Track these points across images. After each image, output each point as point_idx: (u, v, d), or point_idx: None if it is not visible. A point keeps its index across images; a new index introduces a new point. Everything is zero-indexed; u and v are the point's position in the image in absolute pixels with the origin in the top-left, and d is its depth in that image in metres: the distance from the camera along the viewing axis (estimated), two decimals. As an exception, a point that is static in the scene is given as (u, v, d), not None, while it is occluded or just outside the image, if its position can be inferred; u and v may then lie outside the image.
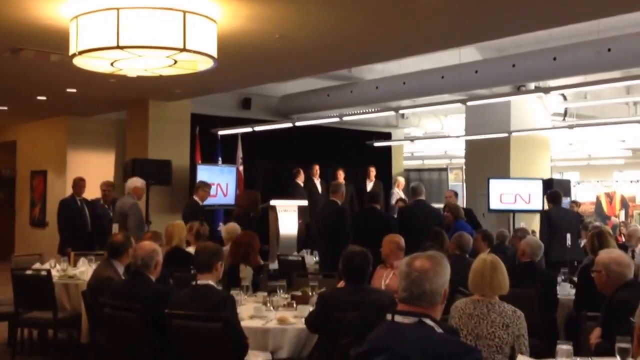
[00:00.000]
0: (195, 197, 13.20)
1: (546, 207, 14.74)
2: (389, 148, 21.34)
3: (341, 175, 17.90)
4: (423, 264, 3.96)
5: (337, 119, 15.82)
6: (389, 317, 3.93)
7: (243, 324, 6.56)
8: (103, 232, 13.03)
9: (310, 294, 8.11)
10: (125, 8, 7.35)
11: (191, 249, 10.58)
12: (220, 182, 16.21)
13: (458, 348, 3.88)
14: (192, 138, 16.37)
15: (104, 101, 15.67)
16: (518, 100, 16.63)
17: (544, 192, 16.56)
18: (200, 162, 16.31)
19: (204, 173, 15.95)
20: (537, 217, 16.72)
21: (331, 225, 11.80)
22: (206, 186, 13.45)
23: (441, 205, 17.59)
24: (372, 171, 18.90)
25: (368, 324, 4.56)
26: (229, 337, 6.00)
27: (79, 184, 13.87)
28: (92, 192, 14.23)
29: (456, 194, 14.24)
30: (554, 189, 14.37)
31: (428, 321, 3.84)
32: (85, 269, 10.31)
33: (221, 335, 5.97)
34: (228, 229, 10.88)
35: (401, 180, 19.92)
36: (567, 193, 17.98)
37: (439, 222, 11.96)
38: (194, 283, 6.51)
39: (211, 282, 6.47)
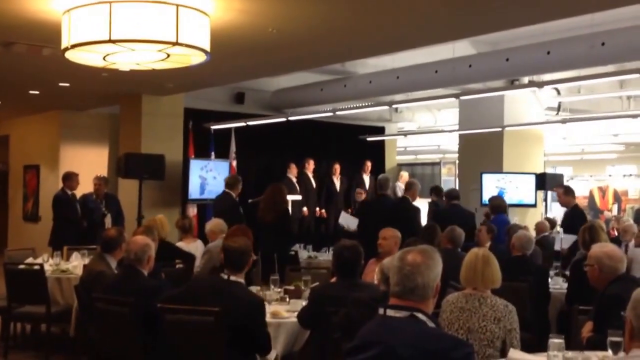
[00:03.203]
0: (230, 191, 13.03)
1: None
2: (382, 142, 21.32)
3: (337, 169, 17.95)
4: (415, 258, 3.97)
5: (330, 114, 15.80)
6: (381, 311, 3.94)
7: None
8: (96, 227, 13.05)
9: (302, 288, 8.12)
10: (117, 2, 7.34)
11: (182, 244, 10.65)
12: (214, 176, 16.21)
13: (449, 342, 3.89)
14: (185, 132, 16.33)
15: (97, 95, 15.65)
16: (511, 95, 16.65)
17: (537, 187, 16.60)
18: (193, 156, 16.30)
19: (197, 167, 15.96)
20: (530, 211, 16.77)
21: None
22: (241, 181, 13.27)
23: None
24: (368, 165, 18.90)
25: (359, 318, 4.57)
26: (224, 332, 5.98)
27: (73, 178, 13.87)
28: (85, 187, 14.22)
29: (566, 191, 13.86)
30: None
31: (420, 315, 3.86)
32: (78, 264, 10.31)
33: (216, 329, 5.95)
34: (212, 225, 10.89)
35: (405, 174, 19.98)
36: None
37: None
38: (225, 276, 6.27)
39: (242, 280, 6.39)
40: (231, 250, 6.34)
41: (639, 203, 26.42)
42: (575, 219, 12.72)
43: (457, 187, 19.12)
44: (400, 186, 19.05)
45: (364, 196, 16.35)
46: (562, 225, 13.55)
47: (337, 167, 18.00)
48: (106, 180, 14.36)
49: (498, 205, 13.42)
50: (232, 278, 6.21)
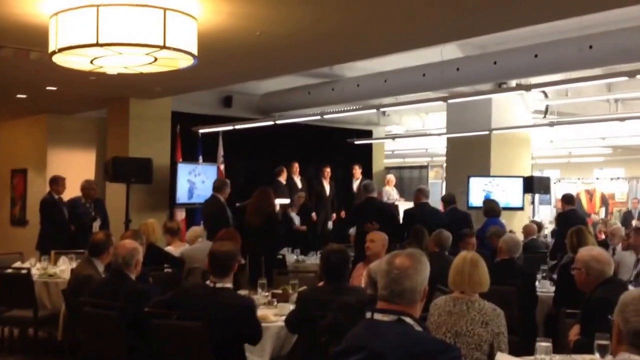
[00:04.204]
0: (218, 195, 13.01)
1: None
2: (370, 146, 21.33)
3: (328, 172, 17.93)
4: (403, 262, 3.98)
5: (318, 117, 15.81)
6: (368, 315, 3.94)
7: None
8: (84, 231, 13.01)
9: (290, 292, 8.12)
10: (105, 5, 7.32)
11: (170, 248, 10.62)
12: (202, 180, 16.17)
13: (437, 346, 3.90)
14: (172, 136, 16.30)
15: (84, 99, 15.61)
16: (499, 98, 16.65)
17: (525, 190, 16.63)
18: (181, 160, 16.26)
19: (185, 171, 15.92)
20: (518, 214, 16.78)
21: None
22: (228, 184, 13.18)
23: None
24: (357, 169, 18.94)
25: (347, 322, 4.57)
26: (210, 337, 5.96)
27: (60, 182, 13.85)
28: (73, 191, 14.19)
29: (568, 199, 14.10)
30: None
31: (407, 319, 3.86)
32: (65, 268, 10.29)
33: (202, 335, 5.94)
34: (189, 234, 10.91)
35: (391, 177, 20.00)
36: (547, 190, 18.05)
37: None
38: (211, 285, 6.27)
39: (229, 286, 6.40)
40: (216, 255, 6.38)
41: (626, 206, 26.49)
42: (559, 224, 13.01)
43: (444, 190, 19.19)
44: (387, 190, 19.07)
45: (302, 200, 16.37)
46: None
47: (328, 170, 17.97)
48: (96, 185, 14.35)
49: (492, 208, 13.49)
50: (219, 285, 6.23)
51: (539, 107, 18.44)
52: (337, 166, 19.04)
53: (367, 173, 19.99)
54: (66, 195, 14.08)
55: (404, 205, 19.68)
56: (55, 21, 7.68)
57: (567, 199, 13.90)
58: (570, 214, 13.45)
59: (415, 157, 27.83)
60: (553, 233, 16.46)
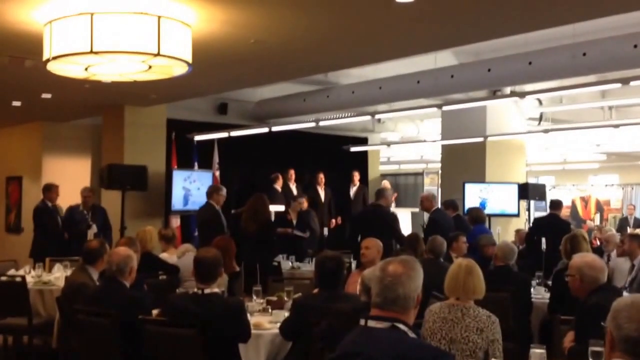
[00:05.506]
0: (212, 202, 13.02)
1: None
2: (365, 153, 21.31)
3: (322, 179, 17.91)
4: (396, 269, 3.97)
5: (313, 124, 15.80)
6: (362, 322, 3.94)
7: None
8: (80, 239, 13.00)
9: (285, 299, 8.12)
10: (99, 13, 7.33)
11: (165, 255, 10.59)
12: (198, 187, 16.15)
13: (430, 352, 3.89)
14: (168, 143, 16.29)
15: (79, 106, 15.61)
16: (494, 105, 16.67)
17: (520, 197, 16.64)
18: (176, 167, 16.25)
19: (180, 178, 15.90)
20: (513, 221, 16.80)
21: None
22: (221, 190, 13.18)
23: (416, 210, 17.67)
24: (356, 175, 18.95)
25: (341, 329, 4.57)
26: (205, 343, 5.97)
27: (53, 190, 13.84)
28: (69, 198, 14.17)
29: (552, 204, 14.07)
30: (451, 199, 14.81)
31: (401, 326, 3.85)
32: (60, 275, 10.28)
33: (198, 341, 5.94)
34: (178, 251, 10.91)
35: (387, 184, 19.99)
36: (543, 197, 18.07)
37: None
38: (199, 292, 6.31)
39: (217, 290, 6.41)
40: (202, 262, 6.44)
41: (621, 212, 26.51)
42: (533, 227, 13.17)
43: (440, 197, 19.18)
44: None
45: (305, 205, 16.23)
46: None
47: (322, 176, 17.97)
48: (94, 192, 14.33)
49: (477, 216, 13.52)
50: (207, 291, 6.27)
51: (534, 114, 18.48)
52: (333, 173, 19.01)
53: (363, 180, 19.98)
54: (63, 203, 14.07)
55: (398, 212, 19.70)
56: (49, 29, 7.68)
57: (552, 203, 13.89)
58: (547, 219, 13.48)
59: (411, 164, 27.83)
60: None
